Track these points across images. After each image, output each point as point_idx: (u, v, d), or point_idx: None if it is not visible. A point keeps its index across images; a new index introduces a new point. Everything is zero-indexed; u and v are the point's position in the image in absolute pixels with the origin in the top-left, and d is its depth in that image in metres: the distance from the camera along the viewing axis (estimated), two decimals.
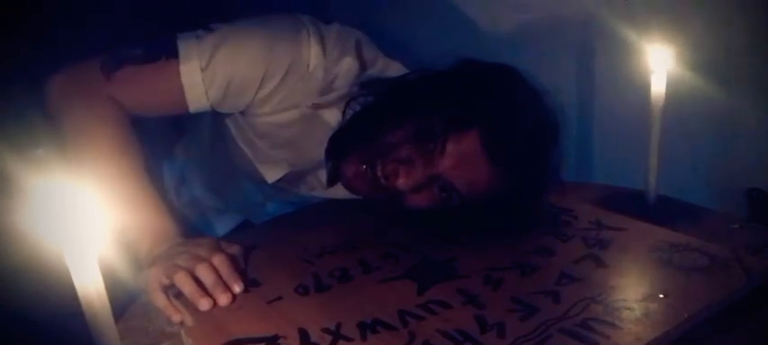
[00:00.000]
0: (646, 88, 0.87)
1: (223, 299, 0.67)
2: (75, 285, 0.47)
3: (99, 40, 0.83)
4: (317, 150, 0.89)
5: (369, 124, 0.82)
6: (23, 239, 0.46)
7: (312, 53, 0.83)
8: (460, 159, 0.75)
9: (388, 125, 0.79)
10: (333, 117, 0.87)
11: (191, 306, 0.66)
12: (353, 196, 0.89)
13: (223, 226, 1.06)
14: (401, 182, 0.76)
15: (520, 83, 0.80)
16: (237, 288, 0.68)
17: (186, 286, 0.67)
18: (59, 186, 0.45)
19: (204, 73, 0.80)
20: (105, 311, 0.49)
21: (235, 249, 0.75)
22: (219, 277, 0.68)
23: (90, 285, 0.48)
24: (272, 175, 0.93)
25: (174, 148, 1.10)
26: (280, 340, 0.60)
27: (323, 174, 0.94)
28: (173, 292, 0.68)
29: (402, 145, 0.78)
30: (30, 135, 0.77)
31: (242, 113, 0.89)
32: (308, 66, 0.83)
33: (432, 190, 0.78)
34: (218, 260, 0.69)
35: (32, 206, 0.44)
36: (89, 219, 0.46)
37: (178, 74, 0.80)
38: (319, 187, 0.98)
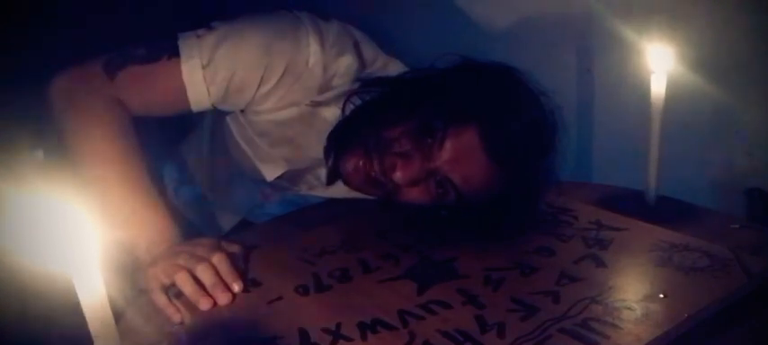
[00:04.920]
0: (646, 88, 0.87)
1: (223, 299, 0.67)
2: (75, 285, 0.47)
3: (101, 41, 0.83)
4: (317, 148, 0.90)
5: (369, 120, 0.83)
6: (25, 243, 0.46)
7: (311, 50, 0.83)
8: (459, 154, 0.75)
9: (387, 121, 0.80)
10: (332, 114, 0.88)
11: (191, 306, 0.66)
12: (352, 195, 0.90)
13: (223, 226, 1.06)
14: (398, 176, 0.77)
15: (519, 82, 0.80)
16: (237, 288, 0.69)
17: (186, 285, 0.67)
18: (59, 192, 0.45)
19: (205, 71, 0.81)
20: (105, 311, 0.49)
21: (235, 248, 0.76)
22: (219, 276, 0.68)
23: (90, 285, 0.48)
24: (270, 173, 0.93)
25: (174, 149, 1.10)
26: (280, 341, 0.60)
27: (322, 173, 0.95)
28: (173, 292, 0.68)
29: (401, 139, 0.78)
30: (30, 137, 0.77)
31: (242, 111, 0.89)
32: (307, 63, 0.83)
33: (428, 185, 0.78)
34: (218, 259, 0.69)
35: (32, 208, 0.44)
36: (89, 220, 0.46)
37: (180, 72, 0.81)
38: (319, 186, 0.98)
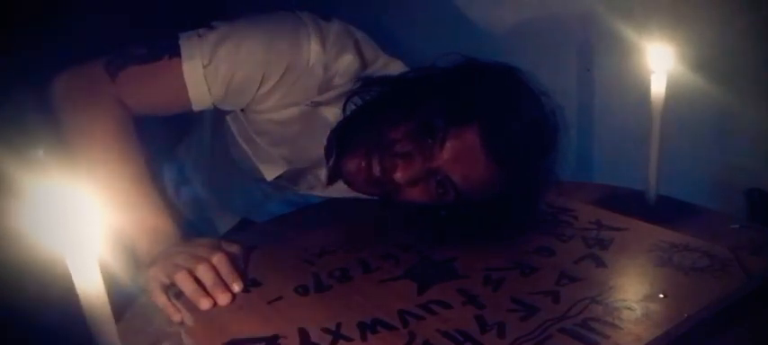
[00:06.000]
0: (646, 88, 0.87)
1: (223, 299, 0.67)
2: (76, 286, 0.47)
3: (101, 40, 0.83)
4: (317, 148, 0.90)
5: (369, 120, 0.83)
6: (24, 241, 0.46)
7: (312, 50, 0.83)
8: (459, 153, 0.76)
9: (388, 120, 0.80)
10: (333, 114, 0.88)
11: (191, 306, 0.66)
12: (352, 195, 0.90)
13: (223, 225, 1.06)
14: (398, 176, 0.77)
15: (520, 82, 0.80)
16: (237, 288, 0.69)
17: (187, 285, 0.67)
18: (60, 188, 0.45)
19: (206, 70, 0.81)
20: (105, 312, 0.49)
21: (235, 248, 0.76)
22: (219, 276, 0.68)
23: (90, 285, 0.48)
24: (270, 173, 0.93)
25: (174, 149, 1.10)
26: (280, 340, 0.60)
27: (322, 173, 0.95)
28: (173, 292, 0.68)
29: (402, 140, 0.78)
30: (30, 135, 0.77)
31: (243, 111, 0.89)
32: (308, 62, 0.83)
33: (428, 185, 0.78)
34: (218, 259, 0.69)
35: (33, 208, 0.44)
36: (90, 220, 0.46)
37: (181, 72, 0.81)
38: (318, 185, 0.98)
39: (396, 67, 0.91)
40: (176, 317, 0.67)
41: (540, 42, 1.24)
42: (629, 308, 0.62)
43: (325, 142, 0.89)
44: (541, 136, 0.79)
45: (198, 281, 0.67)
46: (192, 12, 0.94)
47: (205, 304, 0.66)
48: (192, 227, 1.01)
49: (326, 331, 0.61)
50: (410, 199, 0.80)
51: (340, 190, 0.93)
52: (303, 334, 0.61)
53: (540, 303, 0.65)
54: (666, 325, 0.59)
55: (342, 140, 0.87)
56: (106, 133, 0.78)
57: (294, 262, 0.76)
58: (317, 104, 0.87)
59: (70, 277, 0.47)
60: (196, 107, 0.84)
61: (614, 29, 1.10)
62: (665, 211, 0.88)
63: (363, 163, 0.81)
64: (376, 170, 0.80)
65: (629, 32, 1.07)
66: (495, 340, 0.59)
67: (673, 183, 0.91)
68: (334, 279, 0.72)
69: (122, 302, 0.71)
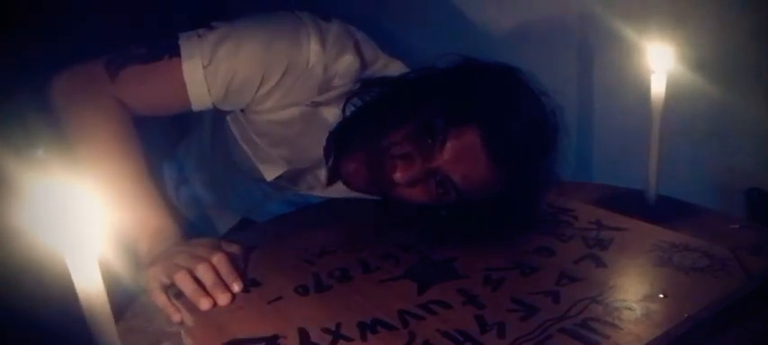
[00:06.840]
0: (646, 88, 0.87)
1: (223, 299, 0.67)
2: (76, 285, 0.47)
3: (101, 40, 0.83)
4: (317, 148, 0.90)
5: (369, 120, 0.83)
6: (24, 240, 0.46)
7: (311, 50, 0.83)
8: (459, 153, 0.76)
9: (388, 121, 0.80)
10: (332, 115, 0.88)
11: (191, 306, 0.66)
12: (352, 195, 0.90)
13: (223, 225, 1.06)
14: (398, 176, 0.77)
15: (520, 82, 0.80)
16: (237, 288, 0.69)
17: (186, 285, 0.67)
18: (60, 187, 0.45)
19: (206, 70, 0.81)
20: (105, 311, 0.49)
21: (235, 248, 0.76)
22: (219, 276, 0.68)
23: (90, 285, 0.48)
24: (270, 173, 0.93)
25: (174, 149, 1.10)
26: (280, 340, 0.60)
27: (322, 173, 0.95)
28: (173, 292, 0.68)
29: (402, 140, 0.78)
30: (30, 135, 0.77)
31: (243, 111, 0.89)
32: (308, 63, 0.83)
33: (428, 185, 0.79)
34: (218, 259, 0.69)
35: (33, 207, 0.44)
36: (90, 220, 0.46)
37: (181, 72, 0.81)
38: (318, 186, 0.98)
39: (396, 68, 0.91)
40: (176, 317, 0.67)
41: (540, 42, 1.24)
42: (629, 308, 0.62)
43: (325, 142, 0.89)
44: (541, 136, 0.79)
45: (198, 281, 0.68)
46: (191, 12, 0.94)
47: (205, 304, 0.66)
48: (192, 227, 1.00)
49: (326, 331, 0.61)
50: (411, 199, 0.81)
51: (340, 190, 0.93)
52: (303, 334, 0.61)
53: (540, 303, 0.65)
54: (666, 325, 0.59)
55: (341, 141, 0.87)
56: (106, 132, 0.78)
57: (294, 262, 0.76)
58: (317, 105, 0.87)
59: (70, 276, 0.47)
60: (196, 107, 0.84)
61: (614, 29, 1.10)
62: (664, 211, 0.88)
63: (362, 164, 0.81)
64: (376, 171, 0.80)
65: (628, 32, 1.07)
66: (495, 340, 0.59)
67: (673, 183, 0.91)
68: (334, 279, 0.72)
69: (122, 302, 0.71)
